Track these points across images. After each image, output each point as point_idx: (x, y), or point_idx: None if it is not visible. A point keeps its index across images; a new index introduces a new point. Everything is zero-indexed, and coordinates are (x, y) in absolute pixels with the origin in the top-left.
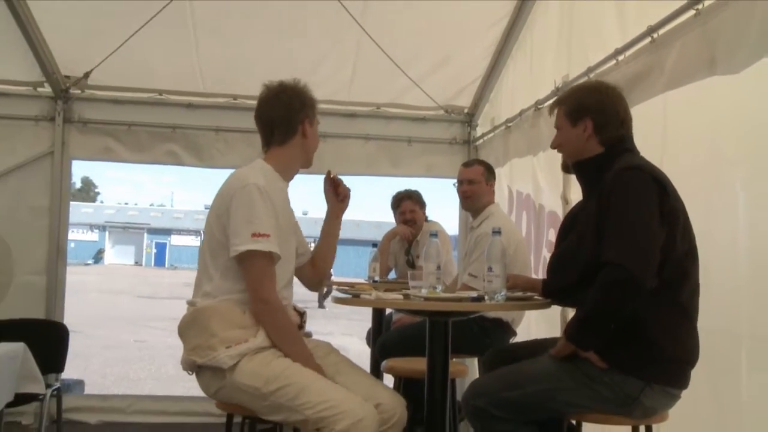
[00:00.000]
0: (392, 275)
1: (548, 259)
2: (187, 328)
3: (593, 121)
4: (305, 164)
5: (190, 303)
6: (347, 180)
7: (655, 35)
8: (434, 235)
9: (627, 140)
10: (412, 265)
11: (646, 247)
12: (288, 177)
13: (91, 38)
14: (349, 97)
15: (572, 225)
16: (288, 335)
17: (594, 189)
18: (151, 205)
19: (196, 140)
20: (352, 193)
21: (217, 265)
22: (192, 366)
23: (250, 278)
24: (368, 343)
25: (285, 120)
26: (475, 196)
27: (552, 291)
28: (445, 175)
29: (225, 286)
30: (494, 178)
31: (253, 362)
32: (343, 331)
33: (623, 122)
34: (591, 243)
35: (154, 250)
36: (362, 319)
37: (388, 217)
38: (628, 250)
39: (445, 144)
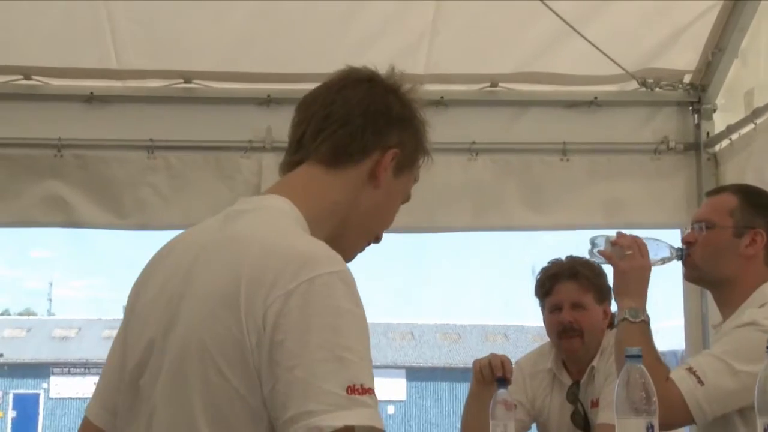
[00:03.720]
0: None
1: None
2: None
3: None
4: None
5: None
6: (426, 240)
7: None
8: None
9: None
10: (584, 424)
11: None
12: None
13: None
14: (429, 65)
15: None
16: None
17: None
18: (2, 314)
19: (108, 170)
20: (444, 267)
21: None
22: None
23: None
24: None
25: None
26: (710, 256)
27: None
28: (646, 223)
29: None
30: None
31: None
32: None
33: None
34: None
35: (12, 414)
36: None
37: (522, 316)
38: None
39: (643, 154)
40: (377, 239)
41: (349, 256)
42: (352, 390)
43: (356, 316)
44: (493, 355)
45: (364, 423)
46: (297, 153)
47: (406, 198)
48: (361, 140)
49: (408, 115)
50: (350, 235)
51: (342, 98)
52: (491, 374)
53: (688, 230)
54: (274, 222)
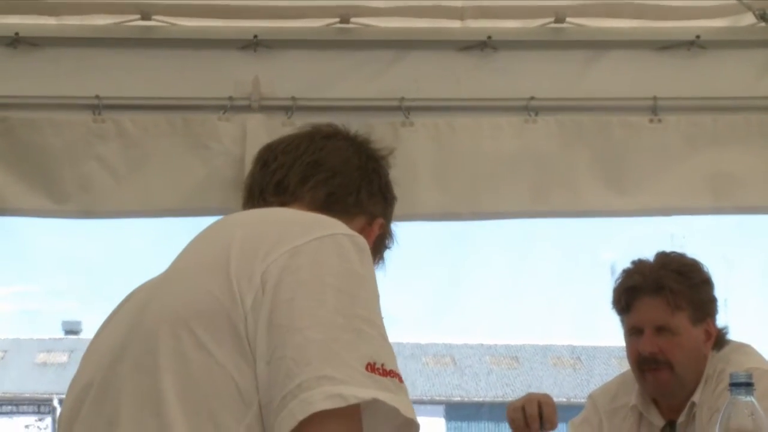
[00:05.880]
0: None
1: None
2: None
3: None
4: None
5: None
6: (469, 230)
7: None
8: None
9: None
10: None
11: None
12: None
13: None
14: None
15: None
16: None
17: None
18: None
19: (40, 137)
20: (494, 267)
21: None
22: None
23: None
24: None
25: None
26: None
27: None
28: (763, 207)
29: None
30: None
31: None
32: None
33: None
34: None
35: None
36: None
37: (599, 333)
38: None
39: (763, 113)
40: None
41: None
42: (371, 368)
43: (373, 287)
44: (528, 397)
45: (392, 404)
46: (277, 195)
47: None
48: (357, 195)
49: (391, 190)
50: None
51: (333, 147)
52: (526, 425)
53: None
54: (276, 209)
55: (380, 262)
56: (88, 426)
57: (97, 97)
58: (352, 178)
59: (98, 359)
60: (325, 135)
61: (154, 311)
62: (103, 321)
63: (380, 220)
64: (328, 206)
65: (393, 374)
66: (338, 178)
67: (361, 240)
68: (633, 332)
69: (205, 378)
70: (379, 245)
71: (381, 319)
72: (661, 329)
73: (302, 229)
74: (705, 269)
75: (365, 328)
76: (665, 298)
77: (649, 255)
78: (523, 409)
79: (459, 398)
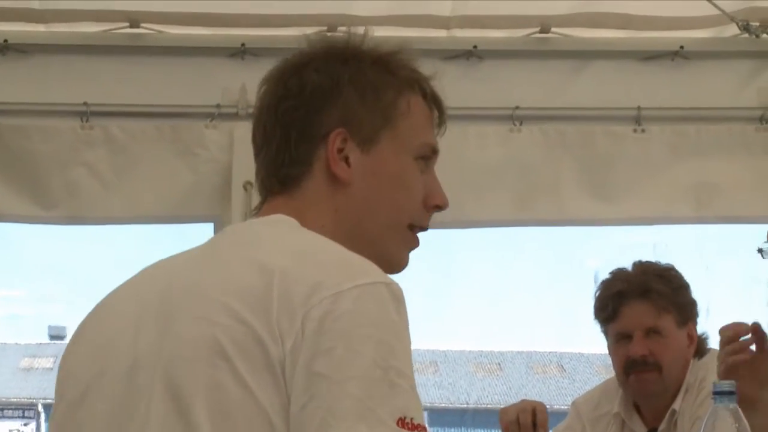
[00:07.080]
0: None
1: None
2: None
3: None
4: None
5: None
6: (454, 239)
7: None
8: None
9: None
10: None
11: None
12: None
13: None
14: (458, 5)
15: None
16: None
17: None
18: None
19: (28, 143)
20: (478, 275)
21: None
22: None
23: None
24: None
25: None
26: None
27: None
28: (749, 216)
29: None
30: None
31: None
32: None
33: None
34: None
35: None
36: None
37: (581, 341)
38: None
39: (746, 123)
40: (430, 211)
41: (394, 267)
42: (402, 423)
43: (407, 338)
44: (523, 405)
45: None
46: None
47: (427, 150)
48: (287, 150)
49: (334, 77)
50: (367, 248)
51: (256, 120)
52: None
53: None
54: (296, 228)
55: (440, 123)
56: (92, 425)
57: (85, 104)
58: (276, 137)
59: (110, 355)
60: (256, 108)
61: (183, 332)
62: (97, 308)
63: (333, 135)
64: (283, 187)
65: (420, 428)
66: (265, 150)
67: (397, 288)
68: (620, 338)
69: (239, 408)
70: (376, 123)
71: (412, 370)
72: (650, 332)
73: (346, 271)
74: (681, 274)
75: (399, 381)
76: (652, 300)
77: (626, 265)
78: (518, 420)
79: (443, 404)
